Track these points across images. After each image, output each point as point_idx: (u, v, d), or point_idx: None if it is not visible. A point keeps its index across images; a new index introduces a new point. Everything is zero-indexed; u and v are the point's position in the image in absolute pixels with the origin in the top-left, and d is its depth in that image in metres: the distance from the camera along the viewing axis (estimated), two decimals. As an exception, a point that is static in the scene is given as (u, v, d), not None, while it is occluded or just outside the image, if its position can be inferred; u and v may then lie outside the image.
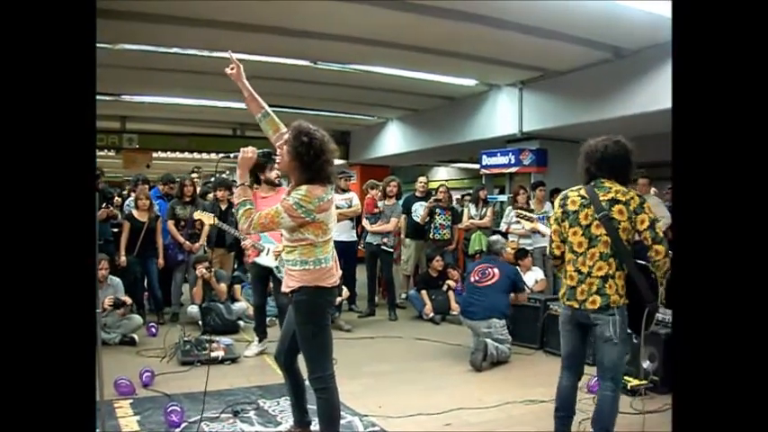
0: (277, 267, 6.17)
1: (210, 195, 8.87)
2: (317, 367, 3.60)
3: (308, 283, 3.53)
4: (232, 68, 4.08)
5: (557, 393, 3.93)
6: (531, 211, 8.88)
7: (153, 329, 7.16)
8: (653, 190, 9.05)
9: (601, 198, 3.61)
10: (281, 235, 3.67)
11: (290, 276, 3.59)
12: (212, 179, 9.32)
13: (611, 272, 3.57)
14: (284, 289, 3.64)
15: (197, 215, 7.47)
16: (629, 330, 3.69)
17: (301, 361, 3.73)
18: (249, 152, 3.57)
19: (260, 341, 6.45)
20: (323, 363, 3.62)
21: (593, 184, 3.72)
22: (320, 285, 3.54)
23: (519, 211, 5.05)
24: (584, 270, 3.63)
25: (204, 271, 7.45)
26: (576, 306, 3.65)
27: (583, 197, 3.70)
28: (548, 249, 3.98)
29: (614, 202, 3.58)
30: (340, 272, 3.78)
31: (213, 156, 15.86)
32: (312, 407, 3.74)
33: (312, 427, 4.00)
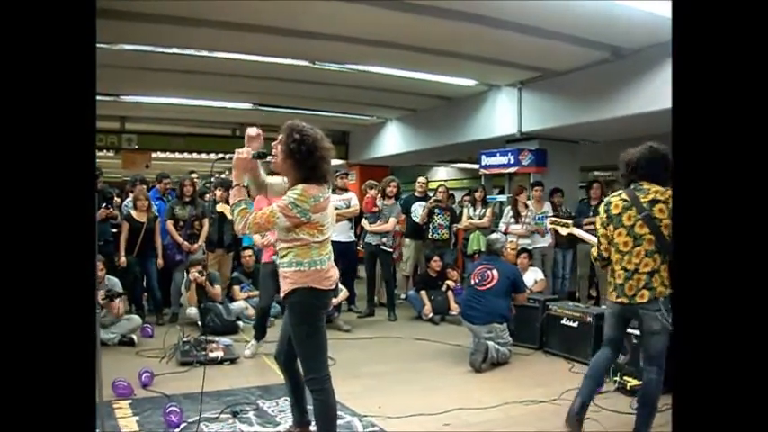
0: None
1: (208, 195, 8.88)
2: (312, 368, 3.60)
3: (301, 284, 3.51)
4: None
5: (592, 362, 4.37)
6: (527, 208, 8.93)
7: (149, 330, 7.15)
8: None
9: (642, 199, 3.88)
10: (277, 236, 3.65)
11: (284, 279, 3.56)
12: (212, 179, 9.32)
13: (656, 267, 3.85)
14: (282, 293, 3.63)
15: (220, 207, 7.52)
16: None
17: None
18: (243, 153, 3.56)
19: (257, 341, 6.44)
20: (318, 364, 3.61)
21: (632, 187, 3.98)
22: (314, 287, 3.52)
23: (554, 218, 5.11)
24: (631, 267, 3.90)
25: (197, 275, 7.45)
26: (627, 302, 3.93)
27: (624, 200, 3.98)
28: (595, 252, 4.21)
29: (655, 202, 3.84)
30: (337, 274, 3.77)
31: (212, 156, 15.87)
32: (312, 407, 3.73)
33: (311, 428, 3.99)
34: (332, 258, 3.69)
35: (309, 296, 3.53)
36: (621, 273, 3.94)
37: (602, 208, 4.17)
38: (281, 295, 3.64)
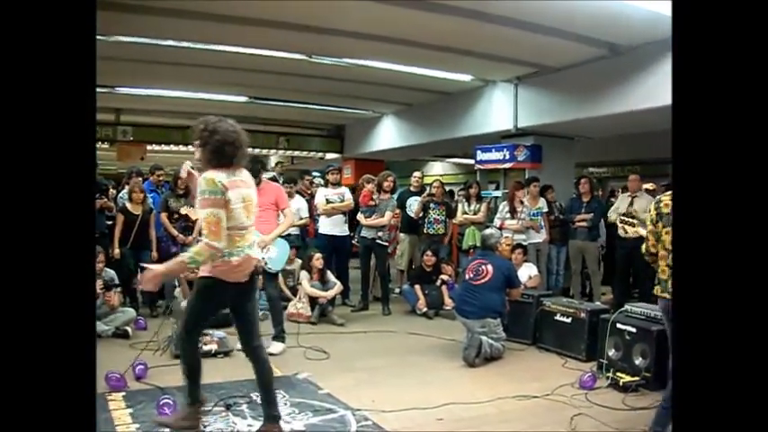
0: (263, 259, 6.17)
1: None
2: (183, 326, 3.91)
3: (209, 273, 3.70)
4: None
5: None
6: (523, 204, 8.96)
7: (141, 323, 7.14)
8: (645, 186, 9.08)
9: None
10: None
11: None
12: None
13: None
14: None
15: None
16: None
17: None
18: (184, 172, 3.87)
19: None
20: (189, 326, 3.88)
21: None
22: (221, 279, 3.69)
23: (623, 217, 5.17)
24: None
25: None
26: (669, 297, 3.92)
27: None
28: (643, 247, 4.24)
29: None
30: (252, 267, 3.87)
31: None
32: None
33: (282, 423, 4.10)
34: (247, 251, 3.77)
35: (211, 285, 3.72)
36: (666, 269, 3.98)
37: (652, 205, 4.17)
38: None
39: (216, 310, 4.10)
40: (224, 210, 3.53)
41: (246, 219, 3.73)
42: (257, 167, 6.32)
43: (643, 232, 4.68)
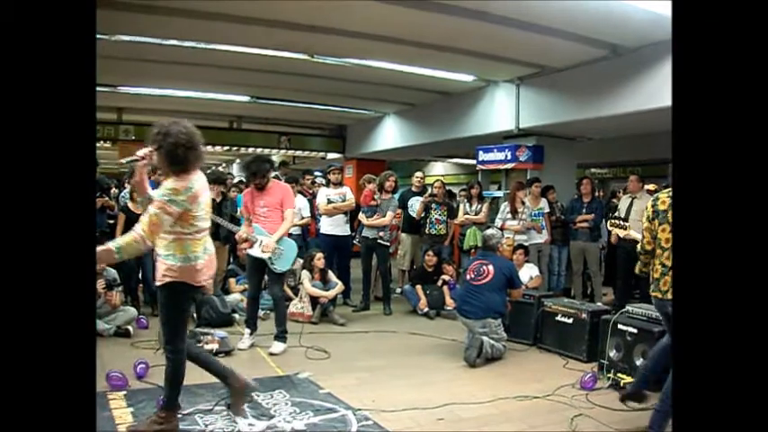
0: (270, 259, 6.18)
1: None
2: (170, 341, 3.91)
3: (174, 278, 3.75)
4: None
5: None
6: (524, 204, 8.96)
7: (143, 321, 7.14)
8: (646, 187, 9.07)
9: None
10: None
11: (159, 269, 3.78)
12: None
13: None
14: (156, 281, 3.88)
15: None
16: None
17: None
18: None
19: (250, 333, 6.45)
20: (175, 338, 3.92)
21: None
22: (186, 282, 3.76)
23: (613, 221, 5.13)
24: (668, 264, 3.92)
25: None
26: (660, 296, 3.98)
27: (672, 197, 3.92)
28: (639, 246, 4.25)
29: None
30: (213, 270, 4.00)
31: (210, 148, 15.83)
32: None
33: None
34: (210, 253, 3.86)
35: (180, 290, 3.79)
36: (659, 268, 3.99)
37: (649, 203, 4.18)
38: (157, 283, 3.88)
39: (188, 313, 4.15)
40: (171, 218, 3.57)
41: (205, 222, 3.84)
42: (266, 167, 6.32)
43: (635, 235, 4.66)
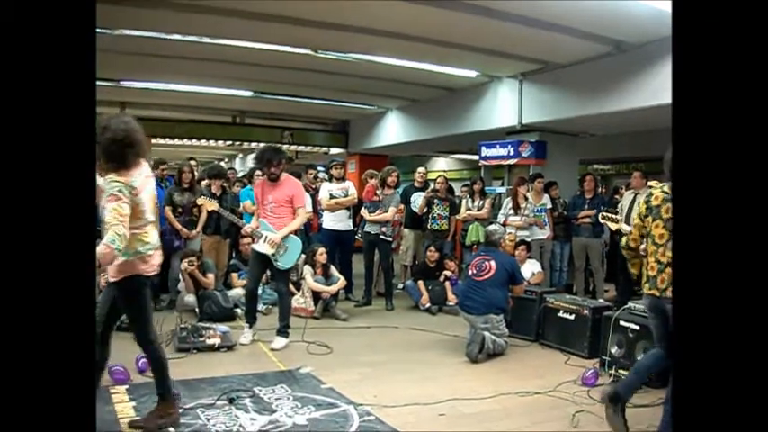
0: (273, 255, 6.18)
1: (204, 183, 8.88)
2: (145, 333, 4.02)
3: (128, 273, 3.79)
4: None
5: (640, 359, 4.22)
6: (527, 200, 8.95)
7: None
8: (649, 184, 9.05)
9: None
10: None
11: (114, 265, 3.75)
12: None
13: None
14: (111, 277, 3.88)
15: (200, 201, 7.48)
16: None
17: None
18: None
19: (249, 326, 6.46)
20: (147, 329, 4.03)
21: None
22: (139, 274, 3.82)
23: (605, 214, 5.09)
24: (664, 260, 3.85)
25: (186, 266, 7.48)
26: (657, 294, 3.88)
27: (665, 192, 3.90)
28: (623, 241, 4.21)
29: None
30: (159, 260, 3.99)
31: (212, 143, 15.83)
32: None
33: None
34: (156, 245, 3.92)
35: (136, 282, 3.83)
36: (655, 265, 3.92)
37: (643, 199, 4.14)
38: (112, 279, 3.88)
39: (150, 301, 4.16)
40: (129, 207, 3.58)
41: (151, 215, 3.86)
42: (280, 156, 6.27)
43: (626, 228, 4.63)
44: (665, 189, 3.93)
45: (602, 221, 5.23)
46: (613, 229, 5.15)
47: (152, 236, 3.87)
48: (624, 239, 4.21)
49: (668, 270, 3.82)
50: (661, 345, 4.08)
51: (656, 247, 3.91)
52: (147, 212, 3.77)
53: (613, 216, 4.98)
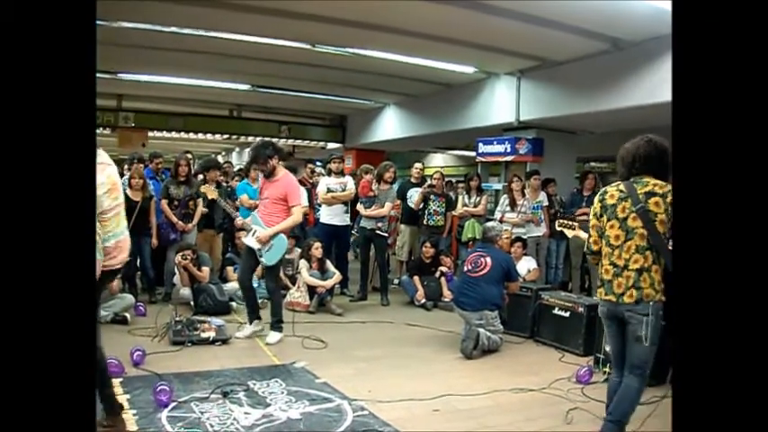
0: (259, 251, 6.19)
1: (200, 176, 8.88)
2: None
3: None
4: None
5: (608, 394, 3.83)
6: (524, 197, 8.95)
7: (141, 309, 7.15)
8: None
9: (639, 191, 3.60)
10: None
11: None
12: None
13: (646, 265, 3.56)
14: None
15: (203, 188, 7.51)
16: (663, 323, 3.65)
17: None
18: None
19: (250, 322, 6.45)
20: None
21: (632, 180, 3.70)
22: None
23: (562, 220, 4.99)
24: (620, 263, 3.64)
25: (180, 259, 7.48)
26: (614, 300, 3.65)
27: (621, 191, 3.71)
28: (585, 246, 3.99)
29: (651, 194, 3.55)
30: (125, 254, 3.77)
31: (209, 136, 15.81)
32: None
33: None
34: (118, 238, 3.68)
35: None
36: (610, 268, 3.67)
37: (597, 198, 3.88)
38: None
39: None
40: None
41: (114, 200, 3.62)
42: (265, 153, 6.22)
43: (583, 235, 4.46)
44: (621, 188, 3.71)
45: (558, 228, 5.05)
46: (570, 236, 4.99)
47: (114, 225, 3.62)
48: (585, 245, 3.98)
49: (626, 273, 3.60)
50: (617, 360, 3.81)
51: (611, 249, 3.68)
52: (103, 200, 3.51)
53: (570, 222, 4.84)
